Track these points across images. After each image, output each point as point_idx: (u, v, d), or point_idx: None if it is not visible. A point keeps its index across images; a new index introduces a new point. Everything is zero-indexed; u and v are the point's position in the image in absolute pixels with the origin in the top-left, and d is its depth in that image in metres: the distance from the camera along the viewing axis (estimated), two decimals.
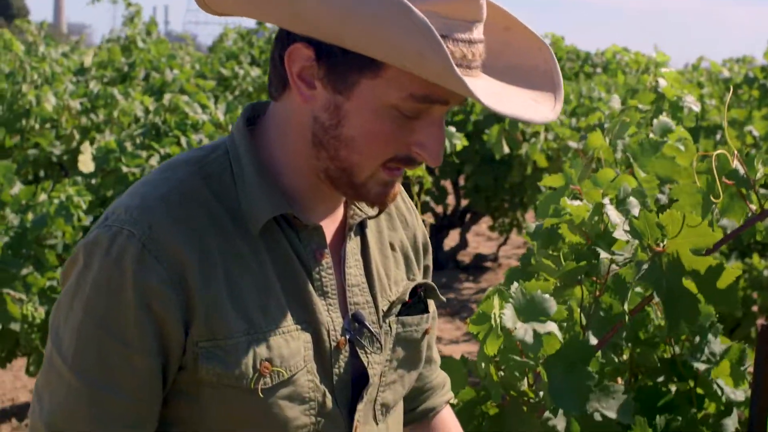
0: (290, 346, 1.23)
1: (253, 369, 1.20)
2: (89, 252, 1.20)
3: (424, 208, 7.46)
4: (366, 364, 1.31)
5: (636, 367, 1.96)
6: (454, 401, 1.72)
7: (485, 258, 8.66)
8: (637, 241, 1.70)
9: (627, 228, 1.69)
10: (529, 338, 1.59)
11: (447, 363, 1.74)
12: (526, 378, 1.76)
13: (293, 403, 1.24)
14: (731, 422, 1.89)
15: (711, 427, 1.89)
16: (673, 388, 1.93)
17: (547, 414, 1.74)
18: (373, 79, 1.17)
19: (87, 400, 1.18)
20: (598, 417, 1.73)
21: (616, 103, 2.80)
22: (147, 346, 1.18)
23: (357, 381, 1.31)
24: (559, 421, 1.74)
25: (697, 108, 2.64)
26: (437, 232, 8.07)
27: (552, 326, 1.62)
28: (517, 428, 1.75)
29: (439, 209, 8.10)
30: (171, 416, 1.24)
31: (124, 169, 4.37)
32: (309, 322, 1.26)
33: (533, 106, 1.21)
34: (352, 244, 1.34)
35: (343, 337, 1.29)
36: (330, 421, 1.28)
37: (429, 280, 1.45)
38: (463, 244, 8.35)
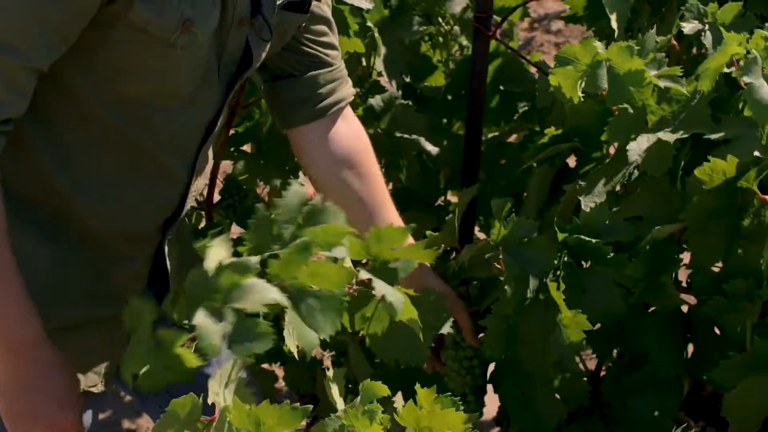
0: (207, 14, 1.30)
1: (178, 23, 1.26)
2: None
3: None
4: (252, 46, 1.41)
5: None
6: None
7: None
8: None
9: None
10: None
11: None
12: None
13: (188, 66, 1.33)
14: None
15: None
16: None
17: None
18: None
19: None
20: None
21: None
22: None
23: (241, 61, 1.42)
24: None
25: None
26: None
27: None
28: None
29: None
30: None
31: None
32: None
33: None
34: None
35: (245, 16, 1.37)
36: (208, 87, 1.40)
37: None
38: None
